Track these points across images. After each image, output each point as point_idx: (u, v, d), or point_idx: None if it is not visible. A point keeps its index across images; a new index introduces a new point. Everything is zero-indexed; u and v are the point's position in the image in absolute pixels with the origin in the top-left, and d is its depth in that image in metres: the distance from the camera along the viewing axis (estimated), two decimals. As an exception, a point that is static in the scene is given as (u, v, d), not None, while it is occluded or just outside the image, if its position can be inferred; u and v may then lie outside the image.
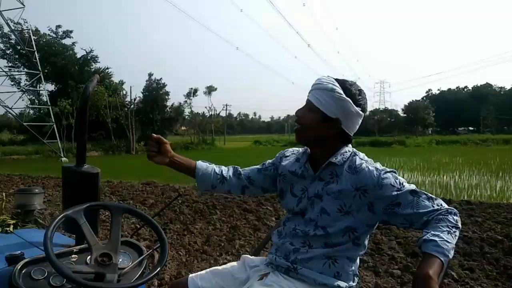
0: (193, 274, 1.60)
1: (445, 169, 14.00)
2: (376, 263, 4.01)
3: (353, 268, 1.48)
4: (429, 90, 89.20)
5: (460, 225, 1.30)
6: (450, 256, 1.21)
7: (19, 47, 31.12)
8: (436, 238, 1.22)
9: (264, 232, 5.20)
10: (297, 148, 1.70)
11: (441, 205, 1.35)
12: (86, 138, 1.56)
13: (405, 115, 71.84)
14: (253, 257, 1.67)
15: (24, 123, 26.20)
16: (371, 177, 1.39)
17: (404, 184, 1.38)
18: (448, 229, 1.26)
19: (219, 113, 50.16)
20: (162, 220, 5.94)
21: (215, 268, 1.62)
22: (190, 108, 44.18)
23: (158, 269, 1.24)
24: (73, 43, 37.18)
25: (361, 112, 1.48)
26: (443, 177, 11.79)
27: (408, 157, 21.10)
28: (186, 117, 45.50)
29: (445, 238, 1.23)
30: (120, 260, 1.31)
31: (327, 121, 1.44)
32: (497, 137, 43.38)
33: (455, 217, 1.30)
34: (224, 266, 1.65)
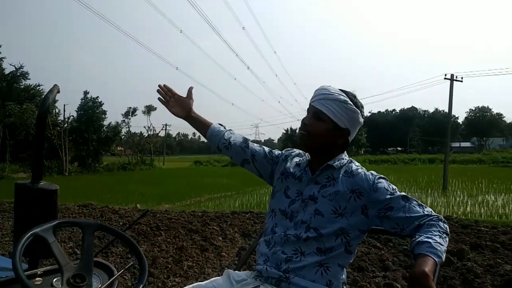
0: None
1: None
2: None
3: (343, 276, 1.49)
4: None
5: (449, 232, 1.35)
6: (443, 259, 1.25)
7: None
8: (430, 240, 1.27)
9: (212, 252, 5.12)
10: (302, 152, 1.70)
11: (431, 212, 1.41)
12: (44, 153, 1.46)
13: (340, 136, 74.76)
14: (237, 271, 1.61)
15: None
16: (367, 180, 1.44)
17: (395, 189, 1.44)
18: (439, 234, 1.31)
19: (158, 133, 49.13)
20: (103, 243, 5.64)
21: (198, 284, 1.54)
22: (128, 127, 42.93)
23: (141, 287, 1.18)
24: (1, 59, 34.94)
25: (362, 122, 1.55)
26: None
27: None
28: (123, 137, 44.11)
29: (438, 241, 1.27)
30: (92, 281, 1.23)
31: (337, 131, 1.48)
32: (423, 157, 46.52)
33: (445, 224, 1.36)
34: (206, 282, 1.56)
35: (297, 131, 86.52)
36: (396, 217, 1.40)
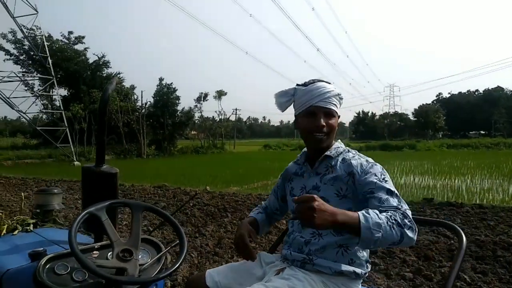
0: (211, 270, 1.64)
1: (457, 173, 13.87)
2: (388, 266, 4.01)
3: (365, 254, 1.54)
4: (440, 93, 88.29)
5: (406, 229, 1.24)
6: (373, 233, 1.18)
7: (32, 53, 31.60)
8: (371, 212, 1.23)
9: (275, 234, 5.22)
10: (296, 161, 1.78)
11: (403, 207, 1.33)
12: (106, 140, 1.61)
13: (415, 118, 71.36)
14: (269, 254, 1.70)
15: (38, 128, 26.54)
16: (361, 164, 1.50)
17: (386, 180, 1.42)
18: (388, 218, 1.23)
19: (228, 118, 50.23)
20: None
21: (232, 264, 1.66)
22: (200, 112, 44.34)
23: (178, 264, 1.28)
24: (85, 49, 37.61)
25: None
26: (455, 180, 11.69)
27: (419, 160, 20.95)
28: (196, 121, 45.67)
29: (379, 216, 1.22)
30: (140, 256, 1.35)
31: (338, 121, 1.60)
32: (509, 141, 42.80)
33: (404, 219, 1.26)
34: (240, 262, 1.69)
35: (369, 114, 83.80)
36: (371, 204, 1.37)
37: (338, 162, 1.54)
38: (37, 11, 25.76)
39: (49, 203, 2.00)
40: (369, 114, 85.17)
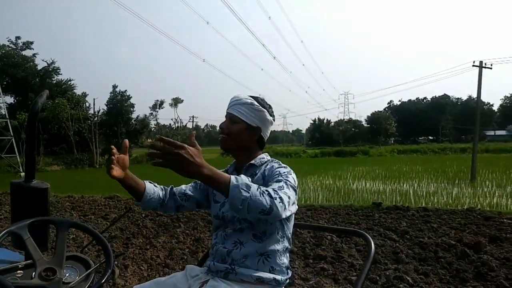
0: (137, 285, 1.63)
1: (405, 178, 14.47)
2: (336, 270, 4.11)
3: (285, 261, 1.60)
4: (391, 101, 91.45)
5: (276, 201, 1.27)
6: (241, 191, 1.22)
7: (-25, 59, 29.96)
8: (245, 177, 1.29)
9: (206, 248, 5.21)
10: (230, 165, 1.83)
11: (286, 193, 1.36)
12: (35, 154, 1.56)
13: (368, 125, 73.65)
14: (195, 266, 1.72)
15: (-20, 137, 25.11)
16: (272, 166, 1.60)
17: (287, 179, 1.44)
18: (261, 188, 1.28)
19: (185, 125, 49.73)
20: (125, 234, 5.85)
21: (159, 279, 1.67)
22: (156, 120, 43.70)
23: (102, 281, 1.26)
24: (34, 55, 36.13)
25: (273, 121, 1.73)
26: (403, 185, 12.18)
27: (371, 166, 21.65)
28: (152, 129, 44.91)
29: (252, 184, 1.27)
30: (67, 275, 1.32)
31: (250, 129, 1.66)
32: (455, 146, 45.16)
33: (278, 195, 1.30)
34: (168, 276, 1.71)
35: (324, 121, 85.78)
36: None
37: (261, 171, 1.62)
38: (-21, 15, 24.46)
39: (-22, 220, 1.90)
40: (325, 121, 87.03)
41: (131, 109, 37.82)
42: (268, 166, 1.63)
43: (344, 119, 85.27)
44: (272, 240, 1.55)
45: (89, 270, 1.38)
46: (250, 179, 1.32)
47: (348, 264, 4.31)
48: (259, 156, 1.69)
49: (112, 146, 1.53)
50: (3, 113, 29.61)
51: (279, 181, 1.43)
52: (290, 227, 1.64)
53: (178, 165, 1.19)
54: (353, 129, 74.95)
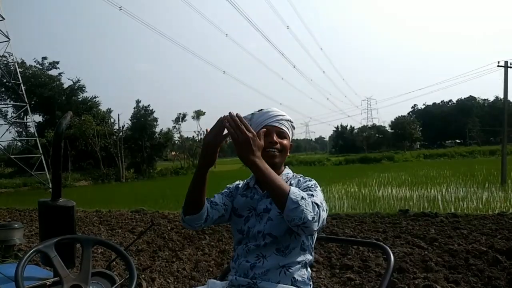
0: None
1: (433, 183, 14.15)
2: (363, 280, 4.05)
3: (306, 274, 1.59)
4: (415, 105, 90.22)
5: (321, 212, 1.38)
6: (300, 193, 1.35)
7: (5, 80, 31.06)
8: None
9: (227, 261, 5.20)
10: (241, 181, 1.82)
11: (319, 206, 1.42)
12: (61, 173, 1.61)
13: (392, 130, 72.64)
14: (217, 281, 1.72)
15: (11, 156, 25.97)
16: (298, 180, 1.64)
17: (317, 192, 1.49)
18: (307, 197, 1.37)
19: (208, 137, 50.02)
20: (151, 247, 5.92)
21: None
22: (179, 133, 44.22)
23: None
24: (60, 74, 37.30)
25: None
26: (431, 190, 11.91)
27: (397, 172, 21.29)
28: (176, 142, 45.50)
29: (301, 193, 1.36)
30: None
31: (290, 146, 1.71)
32: (483, 149, 43.99)
33: (314, 206, 1.37)
34: None
35: (347, 128, 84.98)
36: None
37: None
38: (8, 38, 25.49)
39: (10, 238, 1.97)
40: (348, 128, 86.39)
41: (155, 123, 38.44)
42: (293, 181, 1.64)
43: (367, 125, 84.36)
44: (294, 253, 1.56)
45: (114, 286, 1.41)
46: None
47: (375, 273, 4.23)
48: (284, 172, 1.70)
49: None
50: (32, 131, 30.61)
51: (312, 195, 1.45)
52: (313, 240, 1.65)
53: (243, 147, 1.34)
54: (377, 135, 74.08)
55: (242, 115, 1.56)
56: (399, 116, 74.22)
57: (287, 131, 1.68)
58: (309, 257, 1.61)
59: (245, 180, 1.81)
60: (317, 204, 1.38)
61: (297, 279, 1.55)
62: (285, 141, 1.66)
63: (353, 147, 72.49)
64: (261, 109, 1.73)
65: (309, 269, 1.63)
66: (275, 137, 1.63)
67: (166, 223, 7.97)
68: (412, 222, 6.83)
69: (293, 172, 1.74)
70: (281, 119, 1.67)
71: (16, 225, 2.00)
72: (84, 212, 10.43)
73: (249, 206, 1.67)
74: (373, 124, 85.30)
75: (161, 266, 4.91)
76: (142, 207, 10.47)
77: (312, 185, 1.56)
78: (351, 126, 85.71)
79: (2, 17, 25.14)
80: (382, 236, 5.94)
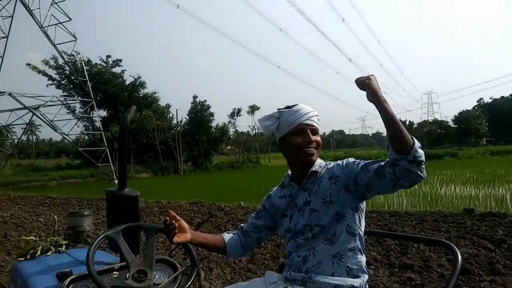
0: None
1: (501, 181, 13.26)
2: (424, 281, 3.89)
3: (360, 261, 1.56)
4: (481, 98, 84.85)
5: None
6: (418, 144, 1.46)
7: (73, 77, 33.12)
8: None
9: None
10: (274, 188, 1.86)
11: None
12: (126, 164, 1.68)
13: (456, 125, 68.95)
14: (274, 273, 1.73)
15: (79, 148, 27.66)
16: (338, 165, 1.64)
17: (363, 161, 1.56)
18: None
19: (262, 132, 50.37)
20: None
21: (239, 284, 1.71)
22: (235, 127, 44.83)
23: (188, 283, 1.32)
24: (122, 71, 38.97)
25: None
26: (499, 189, 11.18)
27: (461, 169, 20.21)
28: (231, 136, 46.19)
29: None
30: (157, 276, 1.40)
31: None
32: (560, 145, 40.59)
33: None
34: (248, 282, 1.75)
35: (407, 122, 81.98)
36: (370, 167, 1.50)
37: (323, 175, 1.63)
38: (76, 38, 27.13)
39: (80, 224, 2.09)
40: (407, 122, 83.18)
41: (211, 117, 39.19)
42: (330, 166, 1.66)
43: (428, 120, 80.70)
44: (342, 239, 1.54)
45: (177, 273, 1.46)
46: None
47: (437, 274, 4.05)
48: (316, 163, 1.68)
49: (169, 212, 1.51)
50: (98, 125, 32.40)
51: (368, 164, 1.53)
52: (361, 226, 1.62)
53: (372, 86, 1.42)
54: (438, 130, 70.55)
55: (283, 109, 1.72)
56: (463, 110, 70.21)
57: (318, 127, 1.70)
58: (358, 243, 1.58)
59: (282, 180, 1.82)
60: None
61: (352, 268, 1.52)
62: (318, 138, 1.68)
63: (413, 143, 69.62)
64: (288, 106, 1.72)
65: (364, 256, 1.60)
66: (310, 137, 1.64)
67: (223, 215, 8.12)
68: (477, 222, 6.45)
69: (329, 162, 1.73)
70: (314, 116, 1.68)
71: (85, 213, 2.11)
72: (145, 203, 10.90)
73: (290, 204, 1.69)
74: (435, 119, 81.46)
75: (218, 257, 5.01)
76: (200, 199, 10.75)
77: (357, 160, 1.60)
78: (410, 121, 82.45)
79: (69, 18, 26.80)
80: (445, 235, 5.67)
